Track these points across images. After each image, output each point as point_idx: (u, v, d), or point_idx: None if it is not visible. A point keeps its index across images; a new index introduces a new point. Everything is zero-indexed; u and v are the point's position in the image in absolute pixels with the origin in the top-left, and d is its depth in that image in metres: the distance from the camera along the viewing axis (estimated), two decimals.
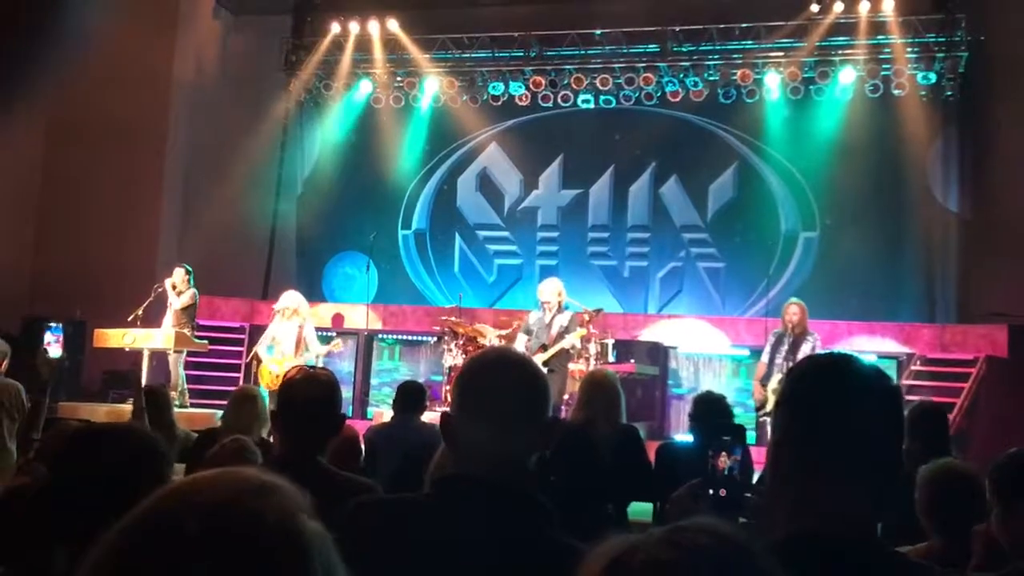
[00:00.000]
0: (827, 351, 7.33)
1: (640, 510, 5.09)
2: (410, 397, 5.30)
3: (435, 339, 12.06)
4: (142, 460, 2.08)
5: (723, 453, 1.80)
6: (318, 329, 10.64)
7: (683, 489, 1.74)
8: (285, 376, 3.03)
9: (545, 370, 8.62)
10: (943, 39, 12.03)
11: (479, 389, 1.79)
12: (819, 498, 1.48)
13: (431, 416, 6.84)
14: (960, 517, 3.03)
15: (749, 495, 1.79)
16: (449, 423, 1.80)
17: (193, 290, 10.76)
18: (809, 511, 1.49)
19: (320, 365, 10.07)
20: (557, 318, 8.81)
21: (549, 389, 1.84)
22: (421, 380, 12.36)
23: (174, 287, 10.70)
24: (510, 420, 1.75)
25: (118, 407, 10.11)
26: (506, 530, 1.67)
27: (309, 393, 2.85)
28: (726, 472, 1.79)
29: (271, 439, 5.08)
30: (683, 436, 9.23)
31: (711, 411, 4.61)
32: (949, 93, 12.14)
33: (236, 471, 0.97)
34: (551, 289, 8.87)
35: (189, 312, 10.69)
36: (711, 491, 1.78)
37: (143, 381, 9.60)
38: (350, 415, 12.20)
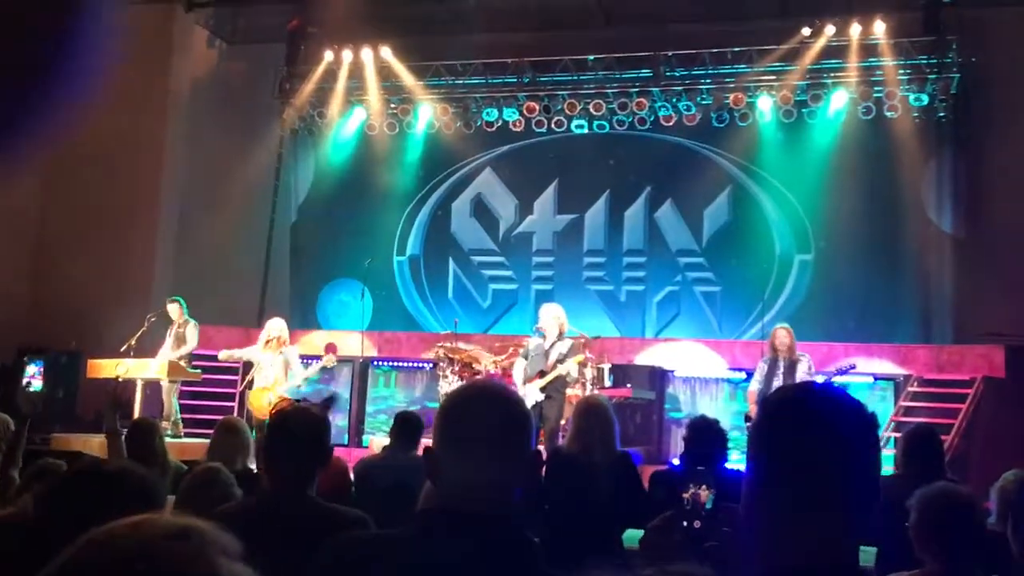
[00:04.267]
0: (805, 380, 7.32)
1: (635, 537, 5.05)
2: (407, 428, 5.26)
3: (431, 366, 12.02)
4: (132, 505, 2.04)
5: (703, 486, 1.78)
6: (312, 357, 10.60)
7: (658, 520, 1.71)
8: (274, 409, 3.02)
9: (543, 396, 8.60)
10: (935, 61, 12.07)
11: (460, 422, 1.78)
12: (798, 531, 1.44)
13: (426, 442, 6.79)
14: (958, 542, 2.99)
15: (725, 528, 1.76)
16: (431, 457, 1.78)
17: (195, 329, 10.78)
18: (789, 544, 1.45)
19: (306, 388, 10.08)
20: (556, 345, 8.78)
21: (531, 421, 1.82)
22: (417, 407, 12.38)
23: (176, 324, 10.74)
24: (491, 453, 1.74)
25: None
26: (490, 563, 1.65)
27: (298, 427, 2.85)
28: (707, 505, 1.76)
29: (255, 469, 5.05)
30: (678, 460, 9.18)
31: (705, 437, 4.58)
32: (942, 114, 12.19)
33: (154, 518, 0.97)
34: (551, 315, 8.84)
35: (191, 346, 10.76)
36: (685, 523, 1.76)
37: (135, 411, 9.58)
38: (345, 443, 12.16)
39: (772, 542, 1.46)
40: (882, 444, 7.14)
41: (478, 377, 10.10)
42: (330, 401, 5.41)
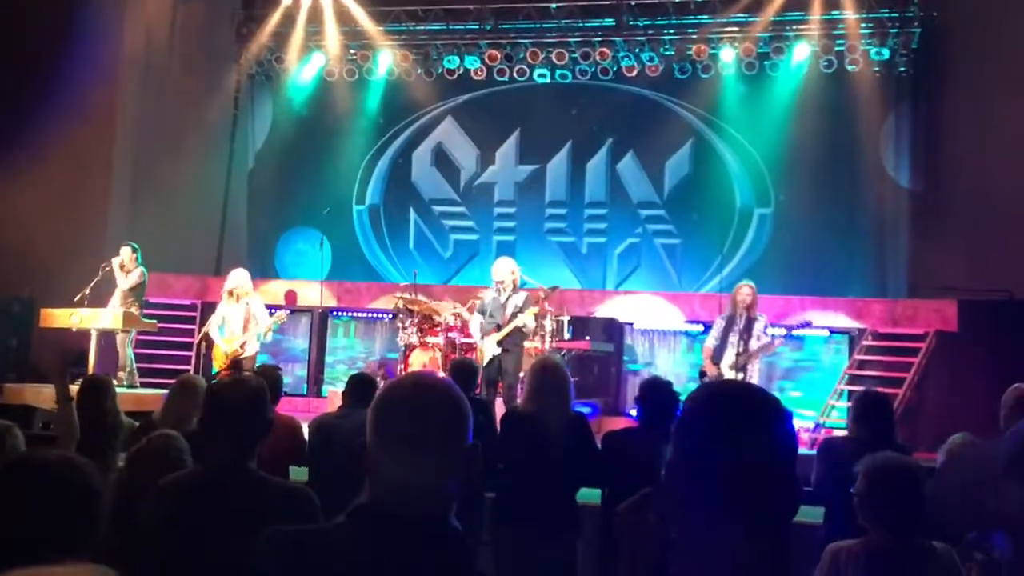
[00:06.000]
0: (725, 378, 7.36)
1: (588, 495, 5.10)
2: (360, 388, 5.23)
3: (391, 316, 11.98)
4: (68, 498, 2.02)
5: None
6: (270, 306, 10.51)
7: (632, 500, 1.68)
8: (215, 380, 2.99)
9: (500, 350, 8.62)
10: (896, 15, 12.08)
11: (393, 417, 1.73)
12: (720, 545, 1.44)
13: None
14: (901, 513, 3.04)
15: None
16: (365, 451, 1.74)
17: (141, 269, 10.55)
18: (714, 556, 1.44)
19: (268, 339, 10.00)
20: (512, 298, 8.78)
21: (468, 415, 1.77)
22: (376, 357, 12.38)
23: (122, 266, 10.49)
24: (425, 450, 1.70)
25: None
26: (423, 566, 1.63)
27: (235, 400, 2.81)
28: None
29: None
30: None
31: (657, 398, 4.61)
32: (902, 69, 12.23)
33: None
34: (504, 268, 8.84)
35: (137, 291, 10.49)
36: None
37: (90, 366, 9.46)
38: (304, 393, 12.15)
39: (699, 537, 1.46)
40: (835, 399, 7.24)
41: (438, 353, 10.08)
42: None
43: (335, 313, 12.84)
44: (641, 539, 1.64)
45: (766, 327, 8.37)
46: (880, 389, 7.06)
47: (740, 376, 8.13)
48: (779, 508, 1.47)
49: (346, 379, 5.67)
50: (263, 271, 13.58)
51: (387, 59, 13.70)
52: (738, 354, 8.19)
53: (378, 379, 5.96)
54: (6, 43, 11.65)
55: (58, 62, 12.19)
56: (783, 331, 8.60)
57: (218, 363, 9.38)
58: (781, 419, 1.49)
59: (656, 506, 1.63)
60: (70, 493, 2.04)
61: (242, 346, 9.37)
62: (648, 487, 1.72)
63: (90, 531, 2.06)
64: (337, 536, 1.69)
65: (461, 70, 13.54)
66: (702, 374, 8.55)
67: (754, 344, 8.23)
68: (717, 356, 8.38)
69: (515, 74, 13.39)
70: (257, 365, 8.82)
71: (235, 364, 9.01)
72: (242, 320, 9.46)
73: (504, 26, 13.34)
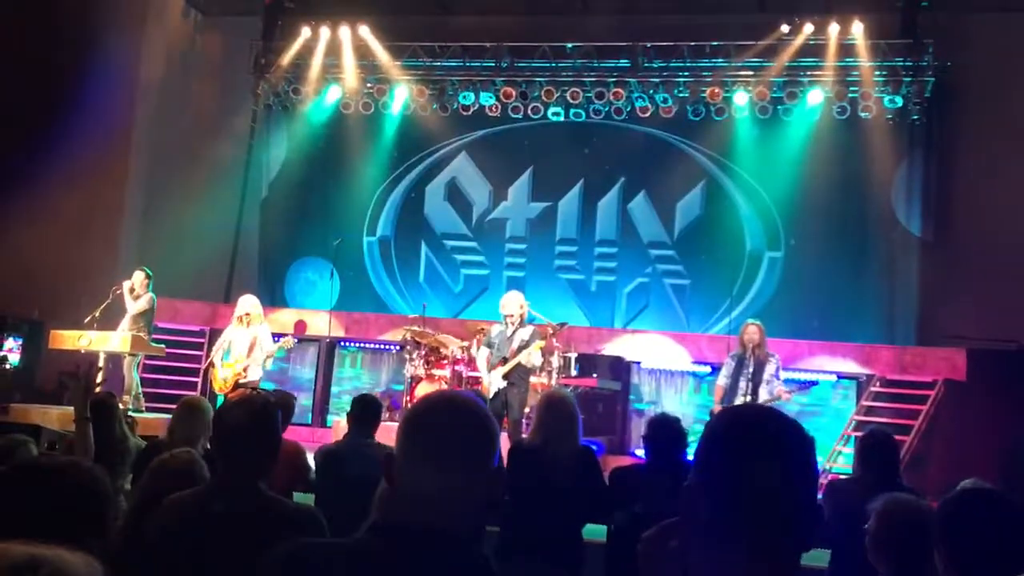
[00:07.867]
0: (746, 404, 7.33)
1: (595, 531, 5.07)
2: (366, 411, 5.22)
3: (398, 348, 11.98)
4: (78, 502, 2.02)
5: None
6: (279, 334, 10.50)
7: (655, 530, 1.66)
8: (225, 399, 2.99)
9: (505, 383, 8.59)
10: (910, 64, 12.16)
11: (423, 432, 1.74)
12: (741, 547, 1.43)
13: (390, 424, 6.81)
14: (912, 555, 3.02)
15: None
16: (392, 464, 1.75)
17: (150, 295, 10.56)
18: (734, 559, 1.44)
19: (268, 366, 9.95)
20: (519, 331, 8.76)
21: (496, 435, 1.78)
22: (382, 389, 12.36)
23: (132, 290, 10.53)
24: (452, 466, 1.70)
25: (71, 410, 9.89)
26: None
27: (240, 419, 2.79)
28: None
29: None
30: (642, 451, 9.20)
31: (666, 435, 4.60)
32: (915, 117, 12.29)
33: (4, 548, 0.95)
34: (513, 302, 8.83)
35: (146, 317, 10.52)
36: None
37: (97, 386, 9.44)
38: (309, 422, 12.12)
39: (717, 562, 1.46)
40: (842, 444, 7.21)
41: (444, 386, 10.07)
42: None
43: (343, 343, 12.85)
44: (661, 566, 1.63)
45: (778, 370, 8.29)
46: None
47: None
48: (799, 535, 1.46)
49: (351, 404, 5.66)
50: (272, 299, 13.63)
51: (403, 93, 13.83)
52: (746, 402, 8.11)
53: (384, 409, 5.95)
54: (24, 70, 11.79)
55: (75, 87, 12.33)
56: (794, 387, 8.52)
57: (217, 385, 9.32)
58: (803, 446, 1.49)
59: (678, 533, 1.62)
60: (79, 494, 2.04)
61: (244, 370, 9.34)
62: (665, 520, 1.70)
63: (96, 532, 2.06)
64: (357, 551, 1.69)
65: (476, 106, 13.65)
66: (712, 415, 8.49)
67: (763, 394, 8.15)
68: (727, 398, 8.32)
69: (529, 112, 13.51)
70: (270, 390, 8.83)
71: (237, 388, 8.98)
72: (247, 345, 9.45)
73: (520, 64, 13.47)
